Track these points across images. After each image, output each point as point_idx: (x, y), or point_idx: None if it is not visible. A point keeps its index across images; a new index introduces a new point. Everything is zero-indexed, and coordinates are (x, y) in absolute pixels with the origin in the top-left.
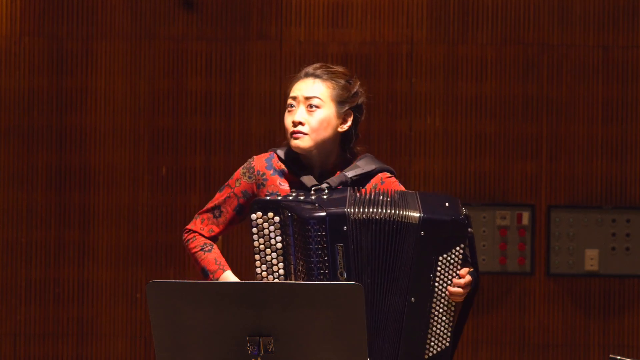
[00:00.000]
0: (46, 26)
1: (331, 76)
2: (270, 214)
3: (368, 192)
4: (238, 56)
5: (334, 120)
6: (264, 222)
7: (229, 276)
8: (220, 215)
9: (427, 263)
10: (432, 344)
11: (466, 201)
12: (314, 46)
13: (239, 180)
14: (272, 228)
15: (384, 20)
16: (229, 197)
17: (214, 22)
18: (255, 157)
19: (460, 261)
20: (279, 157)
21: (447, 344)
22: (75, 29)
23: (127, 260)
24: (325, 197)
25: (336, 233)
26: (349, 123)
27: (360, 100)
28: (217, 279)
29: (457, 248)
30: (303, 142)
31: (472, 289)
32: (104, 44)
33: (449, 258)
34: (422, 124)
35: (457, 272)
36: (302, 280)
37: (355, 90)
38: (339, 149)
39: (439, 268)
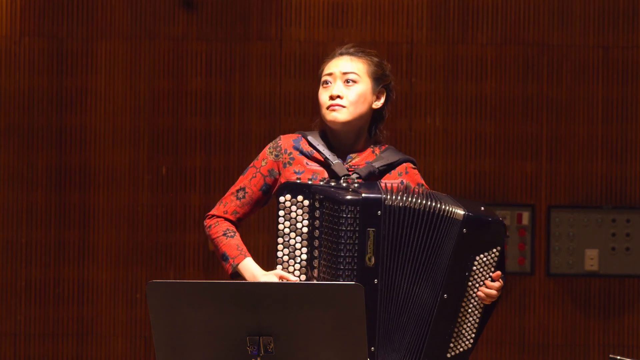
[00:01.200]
0: (46, 26)
1: (366, 54)
2: (300, 197)
3: (401, 186)
4: (238, 56)
5: (370, 96)
6: (292, 205)
7: (249, 263)
8: (244, 196)
9: (465, 261)
10: (457, 343)
11: None
12: (314, 46)
13: (266, 159)
14: (299, 212)
15: (384, 20)
16: (254, 177)
17: (214, 22)
18: (282, 136)
19: (494, 263)
20: (308, 141)
21: (470, 345)
22: (75, 29)
23: (127, 260)
24: (357, 184)
25: (369, 217)
26: (382, 100)
27: (392, 82)
28: (238, 265)
29: (494, 250)
30: (341, 115)
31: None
32: (104, 44)
33: (485, 259)
34: (422, 124)
35: (491, 274)
36: (326, 265)
37: (388, 71)
38: (367, 132)
39: (474, 268)
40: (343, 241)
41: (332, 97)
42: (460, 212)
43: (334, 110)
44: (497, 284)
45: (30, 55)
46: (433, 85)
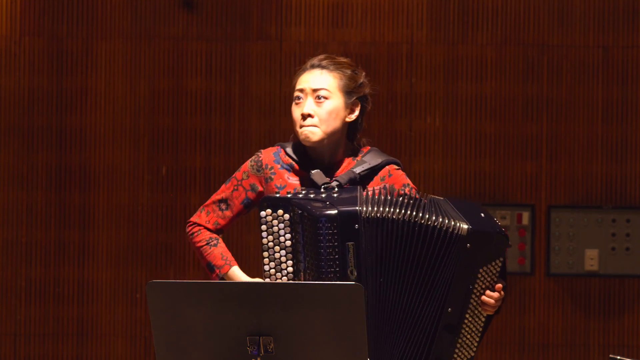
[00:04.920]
0: (46, 26)
1: (337, 67)
2: (280, 212)
3: (383, 191)
4: (238, 56)
5: (342, 111)
6: (273, 219)
7: (235, 272)
8: (227, 208)
9: (469, 274)
10: (460, 353)
11: None
12: (314, 46)
13: (247, 172)
14: (281, 225)
15: (384, 20)
16: (236, 189)
17: (214, 22)
18: (262, 150)
19: (497, 274)
20: (287, 153)
21: (472, 355)
22: (75, 29)
23: (127, 260)
24: (335, 195)
25: (347, 231)
26: (357, 113)
27: (366, 90)
28: (224, 275)
29: (497, 261)
30: (314, 135)
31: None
32: (104, 44)
33: (488, 271)
34: (422, 124)
35: (494, 284)
36: (311, 279)
37: (361, 80)
38: (346, 139)
39: (478, 280)
40: (323, 257)
41: (303, 116)
42: (465, 226)
43: (306, 130)
44: (496, 294)
45: (30, 55)
46: (433, 85)
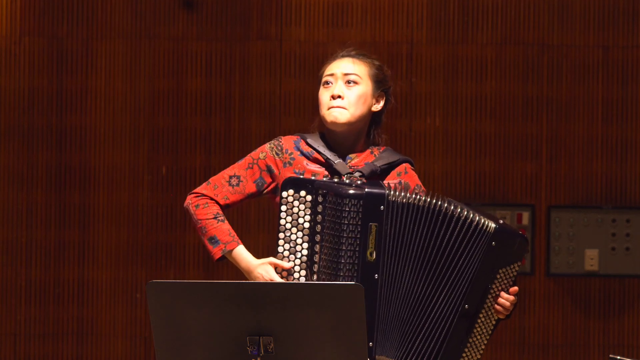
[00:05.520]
0: (46, 26)
1: (367, 57)
2: (303, 192)
3: (399, 186)
4: (238, 56)
5: (370, 98)
6: (294, 200)
7: (242, 251)
8: (237, 184)
9: (489, 274)
10: (469, 353)
11: (466, 201)
12: (314, 46)
13: (265, 154)
14: (302, 207)
15: (384, 20)
16: (251, 167)
17: (214, 22)
18: (282, 137)
19: (514, 277)
20: (307, 143)
21: (479, 356)
22: (75, 29)
23: (127, 260)
24: (359, 182)
25: (372, 211)
26: (382, 104)
27: (391, 87)
28: (230, 251)
29: (515, 265)
30: (342, 116)
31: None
32: (104, 44)
33: (507, 273)
34: (422, 124)
35: (509, 288)
36: (328, 259)
37: (388, 75)
38: (366, 132)
39: (496, 281)
40: (345, 235)
41: (333, 97)
42: (492, 224)
43: (334, 111)
44: (512, 298)
45: (30, 55)
46: (433, 85)
